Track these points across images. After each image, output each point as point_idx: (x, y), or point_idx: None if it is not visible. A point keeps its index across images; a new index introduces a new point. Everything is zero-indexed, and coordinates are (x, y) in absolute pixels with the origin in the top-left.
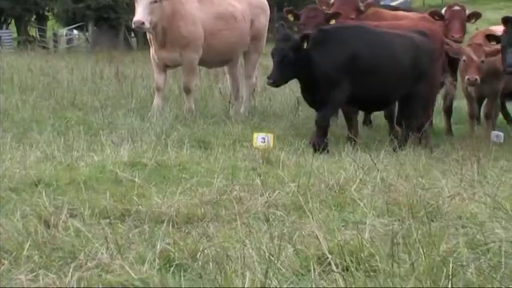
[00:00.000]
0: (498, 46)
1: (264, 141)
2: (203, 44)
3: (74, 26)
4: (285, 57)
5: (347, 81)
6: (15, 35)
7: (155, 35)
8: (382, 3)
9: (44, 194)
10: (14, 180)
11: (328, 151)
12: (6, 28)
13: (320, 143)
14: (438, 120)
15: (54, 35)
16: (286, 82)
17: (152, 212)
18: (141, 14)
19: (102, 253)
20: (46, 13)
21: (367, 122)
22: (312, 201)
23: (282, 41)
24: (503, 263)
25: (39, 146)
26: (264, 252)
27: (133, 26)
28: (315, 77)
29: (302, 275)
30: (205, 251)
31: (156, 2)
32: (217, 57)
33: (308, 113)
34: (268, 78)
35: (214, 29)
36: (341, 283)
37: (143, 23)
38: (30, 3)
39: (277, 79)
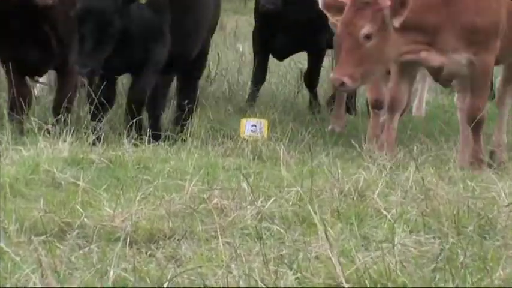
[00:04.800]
0: None
1: (255, 130)
2: None
3: None
4: None
5: None
6: None
7: None
8: None
9: None
10: None
11: None
12: None
13: None
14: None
15: None
16: None
17: (102, 227)
18: None
19: (34, 282)
20: None
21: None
22: (321, 211)
23: None
24: None
25: None
26: (256, 280)
27: None
28: None
29: None
30: (175, 279)
31: None
32: None
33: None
34: None
35: None
36: None
37: None
38: None
39: None
